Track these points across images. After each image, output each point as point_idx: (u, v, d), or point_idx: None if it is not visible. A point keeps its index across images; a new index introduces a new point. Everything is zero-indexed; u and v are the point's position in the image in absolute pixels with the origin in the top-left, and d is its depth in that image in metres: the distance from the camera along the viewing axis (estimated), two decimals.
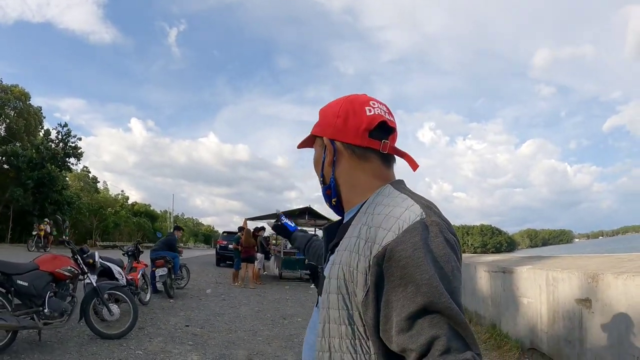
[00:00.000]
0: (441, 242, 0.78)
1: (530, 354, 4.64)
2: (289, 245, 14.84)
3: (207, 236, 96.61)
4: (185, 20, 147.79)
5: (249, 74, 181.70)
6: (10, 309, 3.98)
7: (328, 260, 0.97)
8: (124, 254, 7.93)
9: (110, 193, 48.89)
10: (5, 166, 25.28)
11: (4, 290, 4.04)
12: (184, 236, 65.00)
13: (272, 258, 15.61)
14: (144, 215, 51.60)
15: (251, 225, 13.38)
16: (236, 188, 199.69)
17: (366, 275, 0.79)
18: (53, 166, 26.57)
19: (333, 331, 0.84)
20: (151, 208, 58.76)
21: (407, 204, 0.84)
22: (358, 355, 0.82)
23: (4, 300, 3.99)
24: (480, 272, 6.33)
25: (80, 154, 30.23)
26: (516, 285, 5.03)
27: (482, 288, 6.25)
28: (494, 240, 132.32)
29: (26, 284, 4.02)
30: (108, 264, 5.71)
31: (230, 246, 14.41)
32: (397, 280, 0.75)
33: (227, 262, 18.92)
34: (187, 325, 6.08)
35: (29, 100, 28.71)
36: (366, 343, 0.82)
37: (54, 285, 4.38)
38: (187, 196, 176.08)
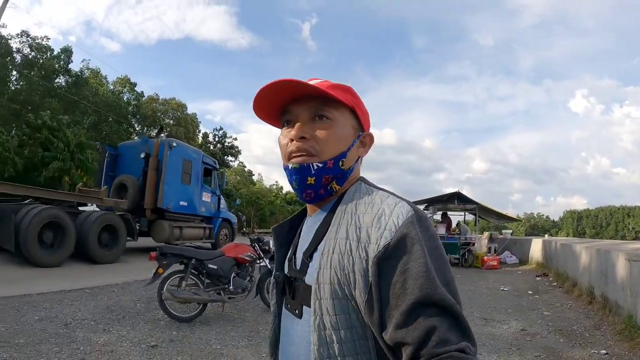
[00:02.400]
0: (433, 235, 0.82)
1: None
2: (439, 231, 15.24)
3: None
4: (316, 13, 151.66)
5: (386, 57, 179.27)
6: (202, 287, 5.54)
7: (298, 264, 0.97)
8: None
9: (264, 184, 52.29)
10: None
11: (197, 272, 5.57)
12: None
13: None
14: (298, 203, 55.23)
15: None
16: (384, 173, 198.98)
17: (366, 276, 0.80)
18: None
19: (331, 338, 0.83)
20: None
21: (392, 201, 0.86)
22: (359, 356, 0.83)
23: (197, 280, 5.56)
24: (620, 259, 6.25)
25: (238, 152, 34.67)
26: None
27: (621, 276, 6.17)
28: None
29: (215, 267, 5.55)
30: None
31: None
32: (397, 276, 0.77)
33: None
34: None
35: (186, 110, 33.73)
36: (365, 343, 0.83)
37: (237, 267, 5.86)
38: None
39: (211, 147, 33.76)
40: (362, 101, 1.00)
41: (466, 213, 18.42)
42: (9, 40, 26.11)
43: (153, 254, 5.38)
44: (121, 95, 33.87)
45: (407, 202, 0.86)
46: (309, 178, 0.92)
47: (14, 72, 27.45)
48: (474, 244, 15.61)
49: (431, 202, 17.07)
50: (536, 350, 4.94)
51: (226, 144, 34.88)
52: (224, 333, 5.04)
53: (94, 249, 9.77)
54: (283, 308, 1.02)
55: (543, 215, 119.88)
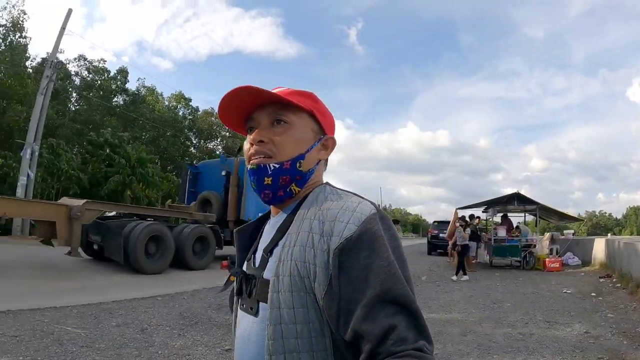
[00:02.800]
0: (394, 234, 0.84)
1: None
2: (500, 233, 15.12)
3: (414, 225, 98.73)
4: (361, 18, 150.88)
5: (434, 58, 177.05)
6: None
7: (257, 262, 0.97)
8: None
9: None
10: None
11: None
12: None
13: (483, 246, 15.96)
14: None
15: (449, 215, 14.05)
16: (440, 175, 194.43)
17: (327, 268, 0.80)
18: None
19: (287, 332, 0.82)
20: None
21: (357, 199, 0.88)
22: (315, 354, 0.82)
23: None
24: None
25: None
26: None
27: None
28: None
29: None
30: None
31: (442, 235, 15.21)
32: (358, 270, 0.78)
33: (438, 250, 19.90)
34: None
35: None
36: (322, 340, 0.82)
37: None
38: (392, 187, 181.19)
39: None
40: (325, 107, 1.03)
41: (526, 214, 17.89)
42: (68, 65, 27.71)
43: (225, 262, 5.43)
44: (177, 110, 35.41)
45: (371, 202, 0.88)
46: (265, 178, 0.94)
47: (74, 94, 29.15)
48: (535, 245, 15.15)
49: (490, 204, 16.76)
50: (600, 352, 4.87)
51: None
52: None
53: (189, 258, 10.75)
54: (239, 310, 1.00)
55: (605, 213, 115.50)
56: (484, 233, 16.14)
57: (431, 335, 0.77)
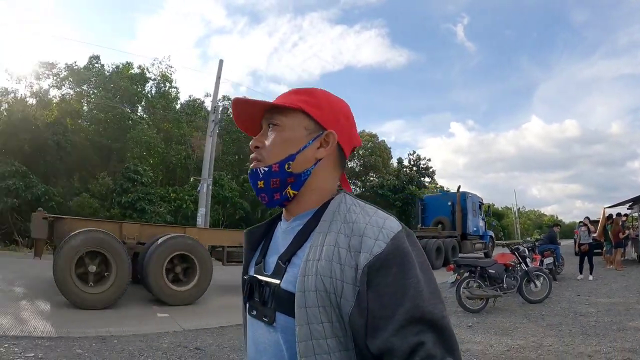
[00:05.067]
0: (421, 250, 0.89)
1: None
2: None
3: (549, 226, 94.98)
4: (465, 13, 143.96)
5: (548, 42, 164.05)
6: (484, 287, 7.93)
7: (269, 268, 0.99)
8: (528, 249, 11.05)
9: None
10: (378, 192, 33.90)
11: (480, 276, 7.98)
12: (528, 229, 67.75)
13: (630, 242, 16.85)
14: (492, 215, 55.24)
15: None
16: (572, 169, 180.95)
17: (355, 285, 0.83)
18: (414, 187, 34.24)
19: (319, 348, 0.84)
20: (494, 206, 61.82)
21: (382, 215, 0.91)
22: None
23: (480, 282, 7.97)
24: None
25: (433, 172, 37.92)
26: None
27: None
28: None
29: (493, 271, 7.96)
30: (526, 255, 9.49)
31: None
32: (387, 287, 0.81)
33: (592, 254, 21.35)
34: (578, 295, 9.38)
35: (377, 139, 37.47)
36: (348, 355, 0.86)
37: (506, 271, 8.21)
38: (523, 188, 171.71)
39: (407, 171, 37.25)
40: (325, 99, 1.01)
41: None
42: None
43: (451, 265, 7.97)
44: None
45: (396, 218, 0.92)
46: (258, 182, 0.98)
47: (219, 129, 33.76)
48: None
49: (637, 201, 17.12)
50: None
51: (421, 165, 38.00)
52: (505, 317, 7.40)
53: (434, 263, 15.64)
54: (247, 314, 1.04)
55: None
56: (630, 230, 16.68)
57: (460, 352, 0.82)
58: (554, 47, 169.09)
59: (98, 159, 25.28)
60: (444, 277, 8.53)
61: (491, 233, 23.15)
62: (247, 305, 1.04)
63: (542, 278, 8.63)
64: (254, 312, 0.99)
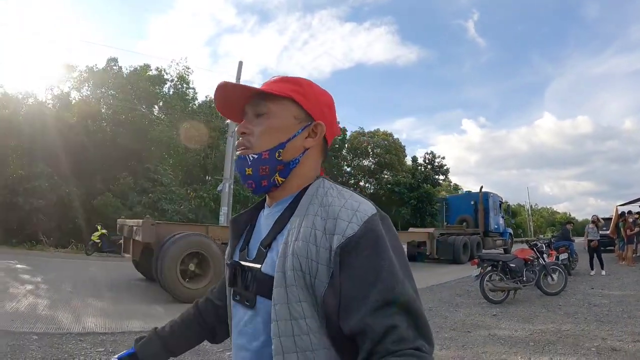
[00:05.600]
0: (395, 234, 0.92)
1: None
2: None
3: (562, 224, 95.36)
4: (475, 8, 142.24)
5: (560, 38, 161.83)
6: (505, 280, 8.68)
7: (252, 254, 1.03)
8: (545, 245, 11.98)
9: None
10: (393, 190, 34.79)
11: (502, 270, 8.71)
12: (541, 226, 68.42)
13: None
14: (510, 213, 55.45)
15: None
16: (585, 166, 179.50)
17: (329, 266, 0.86)
18: (428, 185, 35.06)
19: (298, 328, 0.86)
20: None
21: (358, 198, 0.95)
22: (317, 352, 0.87)
23: (502, 275, 8.71)
24: None
25: (447, 171, 38.87)
26: None
27: None
28: None
29: (514, 265, 8.71)
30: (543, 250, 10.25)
31: (604, 232, 17.53)
32: (359, 269, 0.84)
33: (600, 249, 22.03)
34: (592, 288, 10.15)
35: (392, 138, 38.10)
36: (322, 337, 0.87)
37: (525, 265, 8.96)
38: (535, 185, 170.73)
39: (422, 169, 38.15)
40: (314, 91, 1.05)
41: None
42: None
43: (475, 260, 8.75)
44: None
45: (371, 202, 0.95)
46: (246, 169, 1.00)
47: None
48: None
49: None
50: None
51: (435, 164, 38.76)
52: (525, 307, 8.15)
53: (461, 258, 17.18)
54: (232, 301, 1.07)
55: None
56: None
57: (432, 335, 0.83)
58: (565, 42, 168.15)
59: (118, 159, 26.11)
60: (470, 271, 9.34)
61: (510, 230, 24.64)
62: (232, 291, 1.07)
63: (558, 272, 9.35)
64: (237, 297, 1.03)
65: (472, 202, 21.66)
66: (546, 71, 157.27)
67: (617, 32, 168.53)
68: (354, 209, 0.90)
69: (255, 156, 0.99)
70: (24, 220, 19.19)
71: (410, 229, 21.02)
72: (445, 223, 22.26)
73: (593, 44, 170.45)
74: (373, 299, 0.81)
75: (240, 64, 23.59)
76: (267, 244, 0.98)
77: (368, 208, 0.91)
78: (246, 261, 1.02)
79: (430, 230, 17.66)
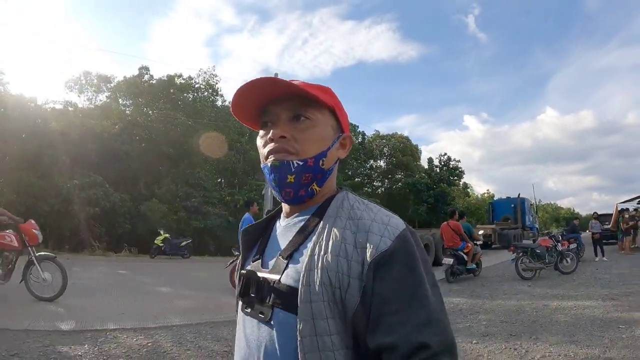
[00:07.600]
0: (423, 249, 0.93)
1: None
2: None
3: (567, 219, 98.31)
4: (476, 3, 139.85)
5: (563, 31, 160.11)
6: (532, 261, 11.96)
7: (269, 265, 1.01)
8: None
9: (475, 194, 59.68)
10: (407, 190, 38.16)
11: (530, 254, 12.00)
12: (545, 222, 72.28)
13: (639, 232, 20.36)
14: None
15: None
16: (589, 161, 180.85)
17: (361, 280, 0.86)
18: (444, 184, 38.88)
19: (323, 344, 0.85)
20: None
21: (386, 212, 0.97)
22: None
23: (530, 258, 11.97)
24: None
25: (461, 172, 43.37)
26: None
27: None
28: None
29: (539, 251, 11.98)
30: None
31: (606, 226, 20.96)
32: (391, 284, 0.85)
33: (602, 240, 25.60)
34: (596, 269, 13.61)
35: (408, 141, 41.73)
36: (349, 353, 0.87)
37: (547, 250, 12.26)
38: (539, 180, 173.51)
39: (437, 170, 41.64)
40: (341, 103, 1.09)
41: None
42: None
43: (512, 248, 12.16)
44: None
45: (398, 217, 0.96)
46: (289, 176, 0.97)
47: None
48: None
49: None
50: None
51: (450, 166, 42.15)
52: (549, 281, 11.40)
53: None
54: (242, 313, 1.04)
55: None
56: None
57: (456, 350, 0.85)
58: (568, 35, 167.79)
59: (158, 165, 28.62)
60: (510, 256, 12.66)
61: (537, 225, 33.48)
62: (241, 302, 1.04)
63: (571, 256, 12.69)
64: (249, 310, 1.00)
65: (513, 205, 28.60)
66: (548, 65, 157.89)
67: (620, 25, 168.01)
68: (384, 222, 0.92)
69: (301, 163, 0.98)
70: (77, 227, 20.21)
71: (478, 226, 28.57)
72: (494, 220, 29.32)
73: (596, 36, 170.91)
74: (404, 316, 0.82)
75: (276, 75, 26.35)
76: (289, 255, 0.97)
77: (399, 222, 0.93)
78: (261, 272, 1.01)
79: (493, 226, 26.70)
